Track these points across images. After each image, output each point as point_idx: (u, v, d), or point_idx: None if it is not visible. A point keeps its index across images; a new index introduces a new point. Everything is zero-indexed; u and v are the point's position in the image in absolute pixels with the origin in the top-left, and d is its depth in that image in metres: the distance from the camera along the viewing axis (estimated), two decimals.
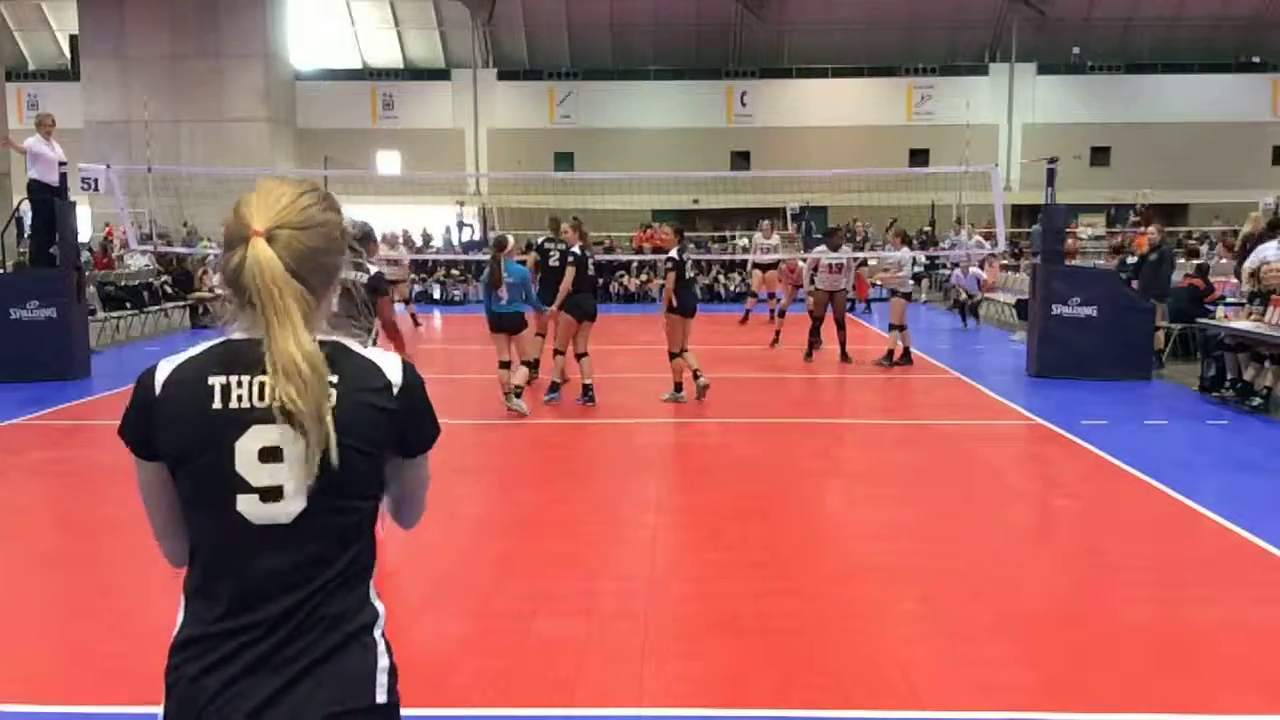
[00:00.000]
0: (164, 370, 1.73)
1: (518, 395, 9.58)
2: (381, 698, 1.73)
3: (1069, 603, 4.92)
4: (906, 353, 12.59)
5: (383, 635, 1.77)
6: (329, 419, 1.63)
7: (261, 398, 1.66)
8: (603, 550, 5.74)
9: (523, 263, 10.46)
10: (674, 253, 10.13)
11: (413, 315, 17.80)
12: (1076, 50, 35.38)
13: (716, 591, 5.01)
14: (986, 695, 3.91)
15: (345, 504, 1.70)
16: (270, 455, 1.65)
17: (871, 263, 12.70)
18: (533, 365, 10.31)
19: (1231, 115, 34.51)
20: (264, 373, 1.65)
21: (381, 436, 1.72)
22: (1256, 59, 35.51)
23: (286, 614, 1.66)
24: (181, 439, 1.67)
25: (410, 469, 1.83)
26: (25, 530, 6.17)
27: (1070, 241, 17.82)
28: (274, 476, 1.65)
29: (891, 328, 12.64)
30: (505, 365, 9.62)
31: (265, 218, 1.74)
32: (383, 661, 1.74)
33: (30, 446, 8.51)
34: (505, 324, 9.55)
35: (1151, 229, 14.22)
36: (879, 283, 12.65)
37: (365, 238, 6.87)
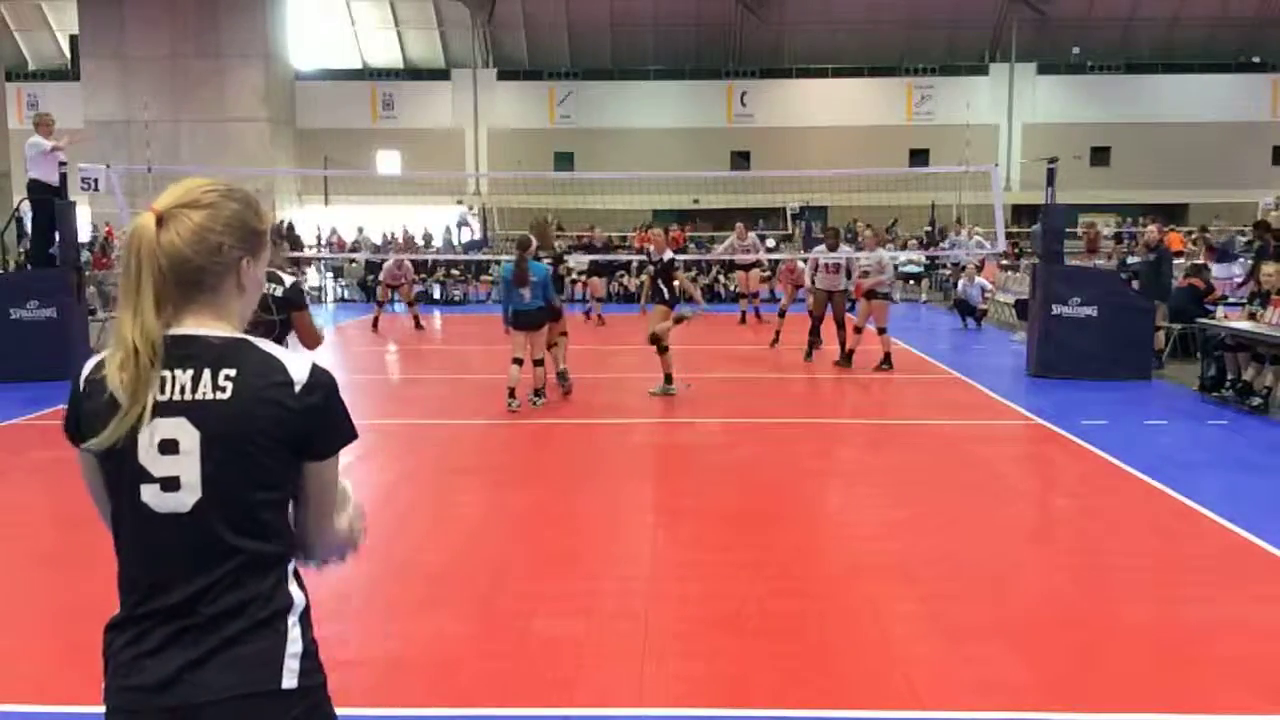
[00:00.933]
0: (88, 366, 1.79)
1: (539, 396, 9.91)
2: (290, 682, 1.76)
3: (1069, 603, 4.92)
4: (887, 356, 12.30)
5: (300, 621, 1.80)
6: (148, 406, 1.69)
7: (161, 391, 1.72)
8: (603, 550, 5.74)
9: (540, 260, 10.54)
10: (669, 254, 11.00)
11: (415, 318, 17.79)
12: (1076, 50, 35.39)
13: (716, 591, 5.01)
14: (986, 695, 3.91)
15: (242, 495, 1.74)
16: (169, 447, 1.72)
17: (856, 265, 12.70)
18: (561, 375, 10.50)
19: (1231, 115, 34.51)
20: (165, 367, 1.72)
21: (281, 433, 1.74)
22: (1256, 59, 35.51)
23: (192, 599, 1.73)
24: (96, 432, 1.73)
25: (315, 474, 1.83)
26: (26, 530, 6.17)
27: (1093, 235, 17.85)
28: (172, 467, 1.72)
29: (881, 331, 12.40)
30: (519, 362, 9.66)
31: (166, 200, 1.78)
32: (294, 648, 1.77)
33: (30, 446, 8.51)
34: (528, 321, 9.69)
35: (1151, 228, 14.24)
36: (864, 287, 12.50)
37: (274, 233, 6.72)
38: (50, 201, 12.19)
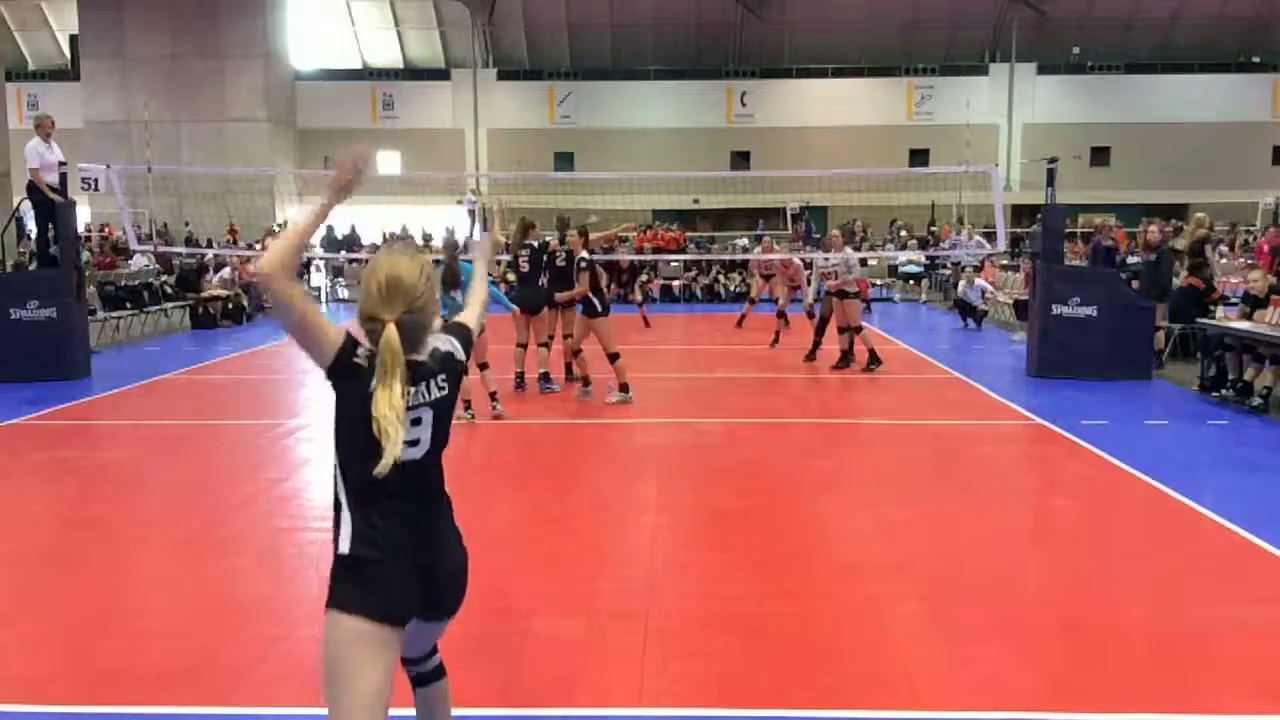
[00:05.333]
0: None
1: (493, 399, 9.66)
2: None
3: (1069, 603, 4.92)
4: (873, 354, 12.21)
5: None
6: None
7: None
8: (603, 550, 5.74)
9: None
10: (584, 255, 10.36)
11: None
12: (1076, 50, 35.39)
13: (716, 591, 5.01)
14: (986, 695, 3.91)
15: None
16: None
17: (821, 262, 12.75)
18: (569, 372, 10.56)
19: (1231, 115, 34.53)
20: None
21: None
22: (1256, 59, 35.52)
23: None
24: None
25: None
26: (26, 530, 6.17)
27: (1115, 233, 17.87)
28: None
29: (841, 330, 12.30)
30: (485, 366, 9.59)
31: None
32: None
33: (30, 446, 8.51)
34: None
35: (1152, 228, 14.22)
36: (830, 290, 12.47)
37: None
38: (50, 202, 12.18)
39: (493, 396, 9.48)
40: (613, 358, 10.13)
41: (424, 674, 3.03)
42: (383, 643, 2.56)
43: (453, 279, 9.24)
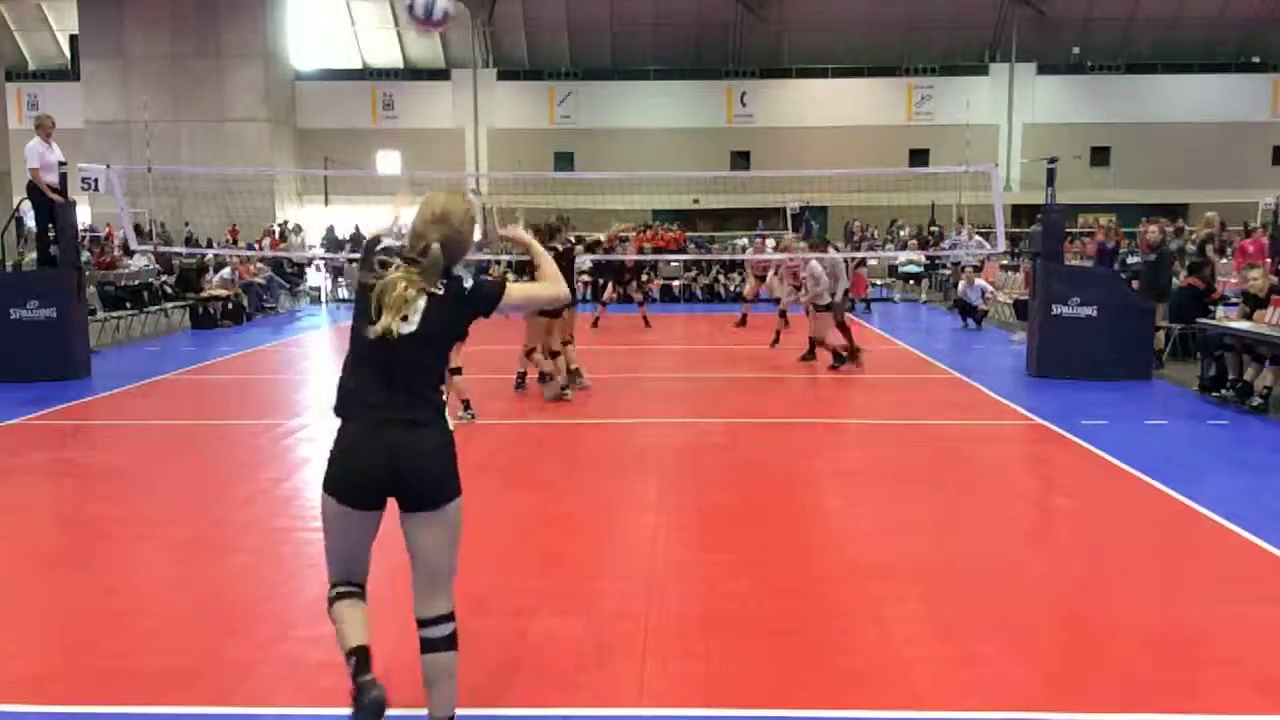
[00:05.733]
0: None
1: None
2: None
3: (1069, 603, 4.92)
4: (853, 352, 12.31)
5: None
6: None
7: None
8: (603, 550, 5.73)
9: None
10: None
11: None
12: (1076, 50, 35.40)
13: (716, 591, 5.01)
14: (986, 695, 3.91)
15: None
16: None
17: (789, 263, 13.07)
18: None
19: (1231, 115, 34.53)
20: None
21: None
22: (1256, 59, 35.52)
23: None
24: None
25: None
26: (25, 530, 6.17)
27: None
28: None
29: (811, 341, 12.63)
30: (457, 371, 9.56)
31: None
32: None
33: (30, 446, 8.51)
34: None
35: (1152, 229, 14.22)
36: (801, 303, 12.74)
37: None
38: (50, 202, 12.18)
39: (465, 405, 9.47)
40: (529, 352, 10.43)
41: (429, 639, 3.36)
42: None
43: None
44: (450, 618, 3.35)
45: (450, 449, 3.30)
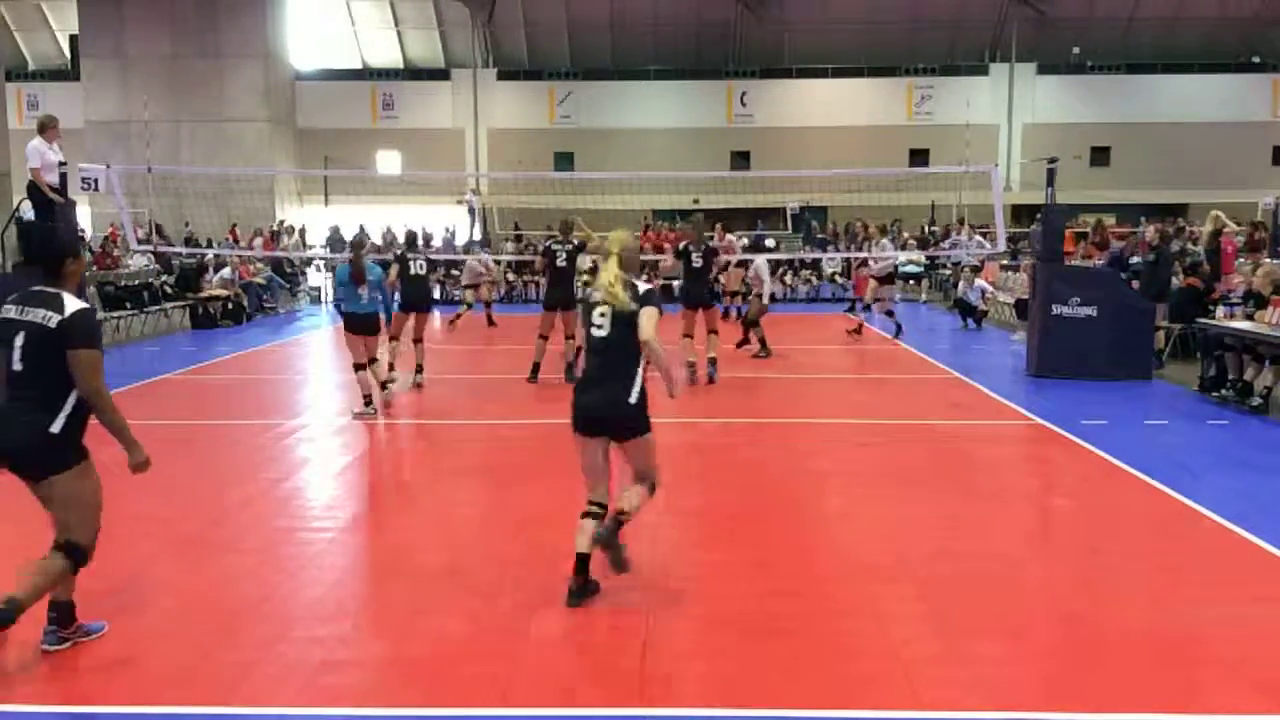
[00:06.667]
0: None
1: (386, 386, 10.02)
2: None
3: (1069, 603, 4.92)
4: (763, 343, 13.45)
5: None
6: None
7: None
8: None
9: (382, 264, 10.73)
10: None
11: (489, 316, 17.82)
12: (1076, 50, 35.38)
13: (716, 591, 5.01)
14: (986, 695, 3.91)
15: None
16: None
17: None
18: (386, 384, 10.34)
19: (1231, 115, 34.50)
20: None
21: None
22: (1257, 59, 35.50)
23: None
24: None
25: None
26: (25, 529, 6.16)
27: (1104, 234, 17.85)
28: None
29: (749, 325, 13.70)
30: (362, 368, 9.64)
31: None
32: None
33: None
34: (363, 325, 9.61)
35: (1151, 229, 14.22)
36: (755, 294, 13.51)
37: None
38: (51, 202, 12.16)
39: (367, 400, 9.56)
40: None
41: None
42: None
43: (359, 276, 9.51)
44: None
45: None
